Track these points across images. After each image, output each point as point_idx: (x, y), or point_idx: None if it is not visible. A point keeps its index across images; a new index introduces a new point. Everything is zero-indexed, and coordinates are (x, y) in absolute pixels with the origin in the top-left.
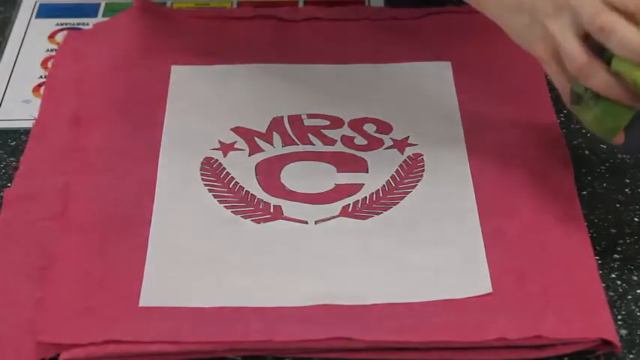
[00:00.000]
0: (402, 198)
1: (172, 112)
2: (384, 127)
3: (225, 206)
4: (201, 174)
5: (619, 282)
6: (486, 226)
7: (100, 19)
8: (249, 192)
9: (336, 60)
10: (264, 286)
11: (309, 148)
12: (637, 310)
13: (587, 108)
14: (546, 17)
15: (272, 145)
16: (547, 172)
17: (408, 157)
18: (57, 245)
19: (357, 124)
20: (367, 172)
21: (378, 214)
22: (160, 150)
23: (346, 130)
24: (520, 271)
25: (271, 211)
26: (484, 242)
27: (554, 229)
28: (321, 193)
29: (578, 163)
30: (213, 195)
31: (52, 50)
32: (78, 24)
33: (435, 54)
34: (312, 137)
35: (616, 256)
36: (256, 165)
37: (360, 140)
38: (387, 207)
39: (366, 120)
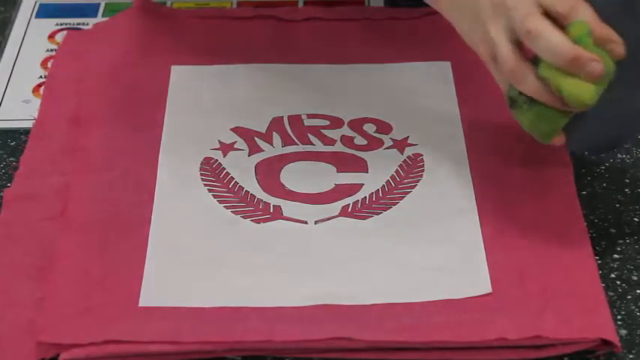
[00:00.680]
0: (401, 198)
1: (172, 112)
2: (384, 127)
3: (224, 206)
4: (201, 174)
5: (619, 282)
6: (486, 226)
7: (100, 19)
8: (248, 192)
9: (336, 60)
10: (264, 286)
11: (308, 148)
12: (637, 310)
13: (522, 112)
14: (487, 18)
15: (272, 145)
16: (547, 172)
17: (408, 157)
18: (57, 245)
19: (356, 124)
20: (367, 172)
21: (377, 214)
22: (160, 150)
23: (346, 130)
24: (520, 271)
25: (271, 211)
26: (484, 242)
27: (554, 229)
28: (321, 193)
29: (578, 163)
30: (212, 195)
31: (52, 50)
32: (78, 24)
33: (434, 54)
34: (311, 137)
35: (616, 256)
36: (256, 165)
37: (359, 140)
38: (386, 207)
39: (365, 120)
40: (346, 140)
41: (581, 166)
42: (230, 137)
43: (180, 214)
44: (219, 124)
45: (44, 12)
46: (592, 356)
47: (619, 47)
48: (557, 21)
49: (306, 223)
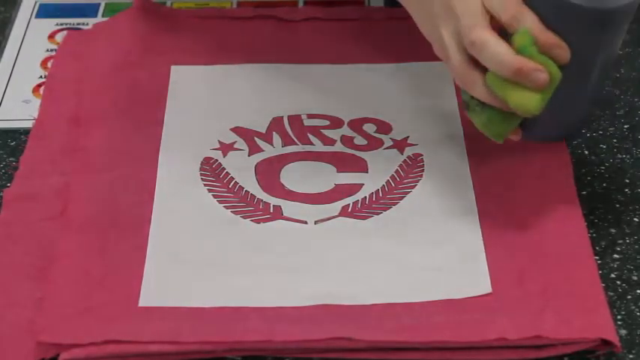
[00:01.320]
0: (401, 198)
1: (172, 111)
2: (384, 127)
3: (224, 206)
4: (201, 174)
5: (618, 282)
6: (486, 226)
7: (99, 19)
8: (248, 192)
9: (335, 60)
10: (263, 286)
11: (308, 148)
12: (637, 310)
13: (476, 114)
14: (440, 21)
15: (272, 145)
16: (547, 171)
17: (408, 157)
18: (57, 245)
19: (356, 124)
20: (367, 172)
21: (377, 214)
22: (160, 150)
23: (346, 130)
24: (520, 271)
25: (271, 211)
26: (484, 242)
27: (554, 229)
28: (321, 193)
29: (578, 163)
30: (212, 195)
31: (52, 50)
32: (78, 24)
33: (434, 54)
34: (311, 137)
35: (616, 256)
36: (256, 165)
37: (359, 140)
38: (386, 207)
39: (365, 120)
40: (346, 140)
41: (581, 166)
42: (230, 137)
43: (180, 214)
44: (219, 124)
45: (44, 12)
46: (592, 356)
47: (564, 52)
48: (501, 30)
49: (306, 223)
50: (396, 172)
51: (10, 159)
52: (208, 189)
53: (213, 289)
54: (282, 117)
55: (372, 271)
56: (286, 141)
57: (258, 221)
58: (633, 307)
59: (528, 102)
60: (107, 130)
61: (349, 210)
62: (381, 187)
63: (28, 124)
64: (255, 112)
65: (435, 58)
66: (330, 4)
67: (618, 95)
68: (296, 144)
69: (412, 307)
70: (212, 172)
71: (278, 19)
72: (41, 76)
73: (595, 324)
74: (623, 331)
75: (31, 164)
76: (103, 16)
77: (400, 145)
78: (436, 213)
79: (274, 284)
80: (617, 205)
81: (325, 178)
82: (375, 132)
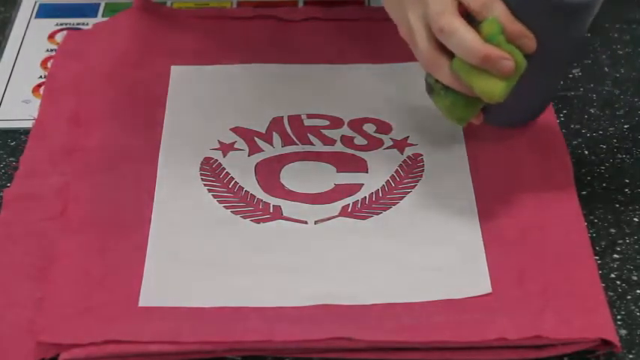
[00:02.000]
0: (401, 198)
1: (172, 112)
2: (384, 127)
3: (224, 206)
4: (201, 174)
5: (618, 282)
6: (486, 226)
7: (100, 19)
8: (248, 192)
9: (335, 60)
10: (263, 286)
11: (308, 148)
12: (636, 310)
13: (440, 98)
14: (409, 5)
15: (272, 145)
16: (547, 171)
17: (408, 157)
18: (57, 245)
19: (356, 124)
20: (367, 172)
21: (377, 214)
22: (160, 150)
23: (346, 130)
24: (520, 271)
25: (271, 211)
26: (484, 242)
27: (554, 229)
28: (321, 193)
29: (578, 163)
30: (212, 195)
31: (51, 50)
32: (78, 24)
33: None
34: (311, 137)
35: (616, 256)
36: (256, 165)
37: (359, 140)
38: (386, 207)
39: (365, 120)
40: (346, 140)
41: (581, 166)
42: (230, 137)
43: (180, 214)
44: (219, 124)
45: (44, 12)
46: (592, 356)
47: (530, 42)
48: (469, 18)
49: (306, 223)
50: (396, 172)
51: (10, 159)
52: (208, 189)
53: (213, 289)
54: (282, 117)
55: (372, 271)
56: (286, 141)
57: (258, 221)
58: (633, 307)
59: (493, 89)
60: (107, 130)
61: (349, 210)
62: (381, 187)
63: (28, 124)
64: (255, 112)
65: None
66: (330, 4)
67: (618, 95)
68: (296, 144)
69: (412, 307)
70: (212, 172)
71: (278, 19)
72: (41, 76)
73: (595, 324)
74: (623, 331)
75: (31, 164)
76: (103, 16)
77: (400, 145)
78: (436, 213)
79: (274, 284)
80: (617, 205)
81: (325, 178)
82: (375, 132)
